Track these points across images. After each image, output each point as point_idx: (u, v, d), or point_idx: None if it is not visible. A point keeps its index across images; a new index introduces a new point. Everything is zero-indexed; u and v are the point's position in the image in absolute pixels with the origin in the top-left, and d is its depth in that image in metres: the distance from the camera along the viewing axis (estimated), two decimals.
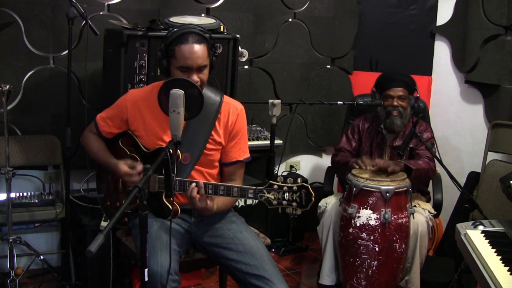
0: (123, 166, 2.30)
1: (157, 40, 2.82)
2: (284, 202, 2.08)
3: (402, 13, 4.18)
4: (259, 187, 2.11)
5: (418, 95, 3.17)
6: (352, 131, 3.26)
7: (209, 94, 2.37)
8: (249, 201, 3.59)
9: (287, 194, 2.08)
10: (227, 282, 2.75)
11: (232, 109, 2.40)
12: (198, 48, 2.21)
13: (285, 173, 4.05)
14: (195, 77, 2.23)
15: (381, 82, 3.18)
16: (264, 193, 2.10)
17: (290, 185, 2.07)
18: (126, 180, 2.32)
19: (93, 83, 3.21)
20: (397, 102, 3.07)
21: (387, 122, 3.10)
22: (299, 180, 2.09)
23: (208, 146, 2.36)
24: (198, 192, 2.18)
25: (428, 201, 3.19)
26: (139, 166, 2.28)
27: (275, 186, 2.09)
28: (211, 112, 2.36)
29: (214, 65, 2.34)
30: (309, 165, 4.28)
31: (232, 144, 2.41)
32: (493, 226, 2.24)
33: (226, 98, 2.44)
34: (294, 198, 2.07)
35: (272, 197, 2.09)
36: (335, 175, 3.44)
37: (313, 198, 2.06)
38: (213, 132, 2.36)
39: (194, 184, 2.19)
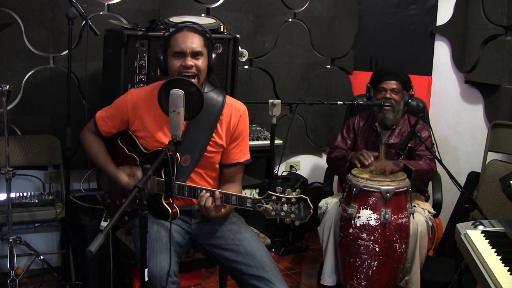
0: (124, 177, 2.30)
1: (157, 40, 2.81)
2: (282, 214, 2.06)
3: (402, 13, 4.18)
4: (257, 197, 2.10)
5: (413, 93, 3.17)
6: (348, 130, 3.26)
7: (212, 95, 2.36)
8: None
9: (286, 205, 2.06)
10: (227, 282, 2.75)
11: (235, 111, 2.38)
12: (193, 35, 2.25)
13: (285, 173, 4.05)
14: (189, 62, 2.22)
15: (375, 76, 3.18)
16: (262, 204, 2.08)
17: (288, 196, 2.05)
18: (127, 189, 2.31)
19: (93, 83, 3.21)
20: (390, 94, 3.07)
21: (379, 116, 3.09)
22: (297, 191, 2.07)
23: (209, 148, 2.34)
24: (213, 201, 2.16)
25: (426, 200, 3.19)
26: (139, 172, 2.28)
27: (274, 197, 2.07)
28: (213, 113, 2.34)
29: (213, 61, 2.33)
30: (309, 165, 4.28)
31: (233, 146, 2.39)
32: (493, 226, 2.24)
33: (229, 99, 2.41)
34: (293, 209, 2.05)
35: (270, 207, 2.08)
36: (333, 173, 3.43)
37: (311, 211, 2.04)
38: (214, 134, 2.34)
39: (208, 194, 2.17)
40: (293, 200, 2.04)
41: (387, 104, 3.06)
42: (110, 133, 2.45)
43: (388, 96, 3.07)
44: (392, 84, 3.09)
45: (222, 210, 2.18)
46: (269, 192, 2.08)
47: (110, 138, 2.47)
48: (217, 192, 2.16)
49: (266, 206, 2.08)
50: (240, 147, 2.41)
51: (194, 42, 2.24)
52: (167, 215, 2.26)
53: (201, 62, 2.26)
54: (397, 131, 3.13)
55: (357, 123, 3.25)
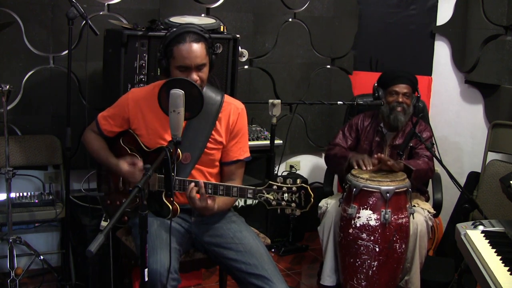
0: (124, 164, 2.33)
1: (157, 40, 2.81)
2: (283, 203, 2.08)
3: (402, 13, 4.18)
4: (258, 188, 2.11)
5: (419, 95, 3.17)
6: (350, 129, 3.25)
7: (210, 93, 2.38)
8: (249, 201, 3.58)
9: (286, 194, 2.08)
10: (227, 282, 2.75)
11: (233, 109, 2.41)
12: (196, 47, 2.22)
13: (285, 173, 4.05)
14: (194, 76, 2.23)
15: (386, 78, 3.16)
16: (263, 194, 2.10)
17: (289, 185, 2.07)
18: (128, 179, 2.33)
19: (93, 83, 3.21)
20: (402, 98, 3.07)
21: (391, 117, 3.08)
22: (298, 180, 2.08)
23: (209, 145, 2.36)
24: (198, 192, 2.18)
25: (427, 200, 3.19)
26: (140, 162, 2.31)
27: (275, 187, 2.09)
28: (212, 111, 2.36)
29: (214, 63, 2.34)
30: (309, 165, 4.28)
31: (233, 143, 2.41)
32: (493, 226, 2.24)
33: (227, 97, 2.44)
34: (293, 199, 2.06)
35: (271, 197, 2.09)
36: (330, 171, 3.41)
37: (312, 199, 2.06)
38: (213, 132, 2.37)
39: (193, 184, 2.19)
40: (294, 189, 2.07)
41: (399, 107, 3.06)
42: (112, 132, 2.46)
43: (400, 100, 3.07)
44: (404, 88, 3.09)
45: (209, 201, 2.18)
46: (270, 182, 2.10)
47: (112, 139, 2.48)
48: (200, 181, 2.17)
49: (267, 196, 2.09)
50: (240, 144, 2.42)
51: (198, 55, 2.22)
52: (167, 212, 2.27)
53: (204, 72, 2.28)
54: (402, 132, 3.13)
55: (360, 122, 3.24)
